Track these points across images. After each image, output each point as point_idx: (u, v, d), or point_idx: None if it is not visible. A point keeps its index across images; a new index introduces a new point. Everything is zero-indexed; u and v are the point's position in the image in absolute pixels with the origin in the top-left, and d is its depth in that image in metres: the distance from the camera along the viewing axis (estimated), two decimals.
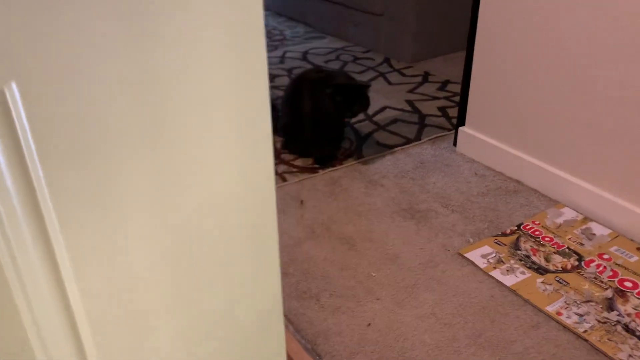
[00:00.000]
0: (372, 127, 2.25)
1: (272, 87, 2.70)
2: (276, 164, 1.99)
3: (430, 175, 1.88)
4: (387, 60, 3.03)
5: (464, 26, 3.19)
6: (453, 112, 2.36)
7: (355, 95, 1.80)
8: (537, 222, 1.61)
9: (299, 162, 2.00)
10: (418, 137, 2.15)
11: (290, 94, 2.00)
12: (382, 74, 2.83)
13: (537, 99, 1.71)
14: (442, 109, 2.40)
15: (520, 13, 1.67)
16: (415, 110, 2.40)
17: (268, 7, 4.16)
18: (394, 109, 2.42)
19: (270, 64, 3.04)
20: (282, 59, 3.11)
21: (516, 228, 1.59)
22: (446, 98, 2.52)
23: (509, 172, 1.86)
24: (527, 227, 1.59)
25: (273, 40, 3.45)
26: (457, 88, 2.62)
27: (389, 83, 2.72)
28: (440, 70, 2.87)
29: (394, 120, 2.30)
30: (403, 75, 2.83)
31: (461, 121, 2.02)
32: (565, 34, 1.57)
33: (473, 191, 1.78)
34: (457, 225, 1.61)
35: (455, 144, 2.06)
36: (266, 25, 3.69)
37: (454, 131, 2.16)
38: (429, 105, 2.45)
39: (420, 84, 2.70)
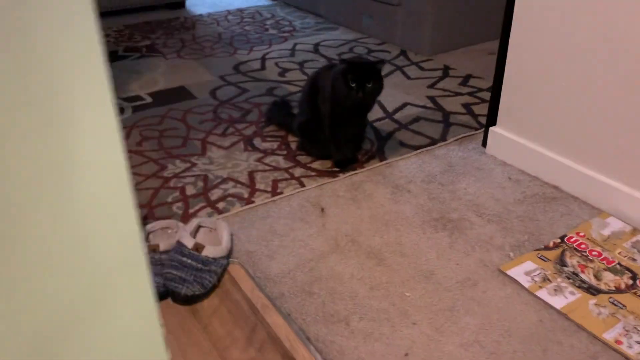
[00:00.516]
0: (394, 126, 2.10)
1: (284, 82, 2.55)
2: (293, 167, 1.84)
3: (460, 180, 1.74)
4: (403, 53, 2.87)
5: (484, 17, 3.05)
6: (479, 109, 2.22)
7: (368, 72, 1.65)
8: (581, 234, 1.47)
9: (317, 164, 1.86)
10: (444, 137, 2.01)
11: (307, 91, 1.85)
12: (399, 68, 2.68)
13: (579, 96, 1.56)
14: (466, 106, 2.25)
15: None
16: (438, 107, 2.25)
17: None
18: (415, 105, 2.27)
19: (280, 56, 2.89)
20: (293, 52, 2.96)
21: (560, 241, 1.45)
22: (470, 94, 2.37)
23: (546, 176, 1.72)
24: (572, 240, 1.45)
25: (282, 32, 3.29)
26: (480, 83, 2.47)
27: (408, 77, 2.57)
28: (460, 64, 2.71)
29: (416, 119, 2.16)
30: (422, 69, 2.67)
31: (491, 120, 1.87)
32: (616, 21, 1.42)
33: (509, 198, 1.64)
34: (495, 238, 1.47)
35: (484, 144, 1.92)
36: (274, 16, 3.53)
37: (482, 131, 2.02)
38: (452, 102, 2.30)
39: (441, 78, 2.55)
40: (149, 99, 2.42)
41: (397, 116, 2.18)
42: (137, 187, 1.74)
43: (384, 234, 1.49)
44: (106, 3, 3.55)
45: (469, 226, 1.52)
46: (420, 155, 1.90)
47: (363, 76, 1.63)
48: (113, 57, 2.94)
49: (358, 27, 3.23)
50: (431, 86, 2.47)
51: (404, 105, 2.28)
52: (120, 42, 3.17)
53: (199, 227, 1.45)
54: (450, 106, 2.26)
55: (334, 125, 1.77)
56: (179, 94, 2.47)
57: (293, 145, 1.99)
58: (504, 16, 1.73)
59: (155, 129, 2.13)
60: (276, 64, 2.79)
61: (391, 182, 1.74)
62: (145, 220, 1.58)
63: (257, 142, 2.02)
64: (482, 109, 2.21)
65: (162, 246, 1.38)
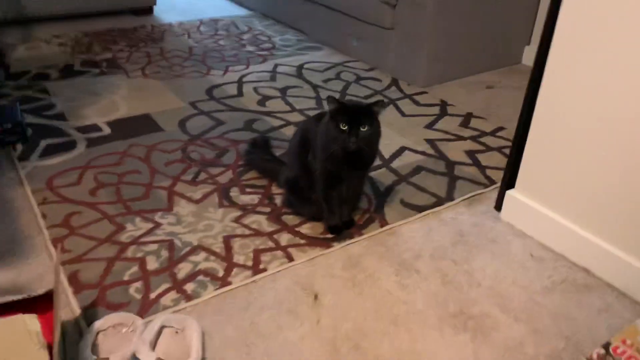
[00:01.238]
0: (393, 178, 1.83)
1: (265, 113, 2.25)
2: (278, 232, 1.55)
3: (475, 256, 1.48)
4: (395, 83, 2.61)
5: (482, 46, 2.81)
6: (485, 159, 1.97)
7: (362, 114, 1.36)
8: (628, 342, 1.23)
9: (307, 228, 1.57)
10: (450, 196, 1.75)
11: (296, 145, 1.56)
12: (392, 102, 2.42)
13: (616, 168, 1.32)
14: (471, 154, 2.00)
15: (611, 39, 1.27)
16: (440, 154, 2.00)
17: (253, 7, 3.68)
18: (414, 151, 2.01)
19: (259, 80, 2.59)
20: (274, 75, 2.66)
21: (604, 352, 1.20)
22: (473, 139, 2.12)
23: (574, 256, 1.48)
24: (618, 351, 1.21)
25: (260, 49, 2.98)
26: (483, 125, 2.23)
27: (402, 114, 2.31)
28: (458, 99, 2.47)
29: (417, 169, 1.89)
30: (417, 103, 2.42)
31: (508, 181, 1.63)
32: None
33: (535, 285, 1.39)
34: (526, 344, 1.21)
35: (498, 207, 1.67)
36: (252, 29, 3.23)
37: (492, 188, 1.77)
38: (454, 148, 2.04)
39: (439, 116, 2.30)
40: (107, 130, 2.08)
41: (395, 164, 1.91)
42: (87, 258, 1.42)
43: (394, 337, 1.22)
44: (65, 6, 3.17)
45: (493, 325, 1.26)
46: (426, 219, 1.63)
47: (356, 118, 1.35)
48: (68, 72, 2.58)
49: (345, 48, 2.95)
50: (429, 126, 2.21)
51: (402, 150, 2.02)
52: (78, 54, 2.80)
53: (162, 327, 1.15)
54: (453, 153, 2.00)
55: (327, 184, 1.49)
56: (143, 124, 2.14)
57: (277, 199, 1.69)
58: (537, 53, 1.48)
59: (113, 172, 1.80)
60: (255, 89, 2.48)
61: (395, 256, 1.47)
62: (93, 307, 1.26)
63: (234, 193, 1.72)
64: (489, 159, 1.96)
65: (114, 359, 1.07)
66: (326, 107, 1.40)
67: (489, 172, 1.89)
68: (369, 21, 2.71)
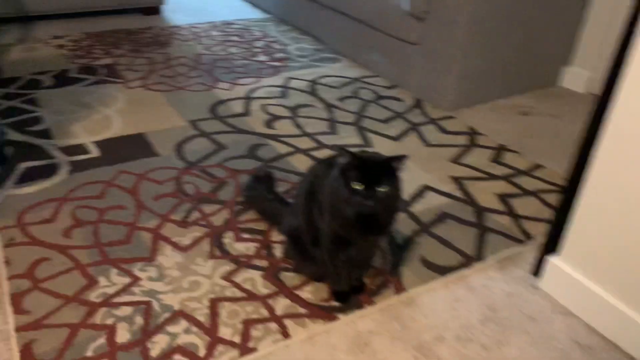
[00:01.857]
0: (413, 227, 1.59)
1: (271, 137, 2.02)
2: (274, 295, 1.32)
3: (509, 339, 1.23)
4: (419, 104, 2.36)
5: (516, 67, 2.51)
6: (520, 206, 1.71)
7: (380, 170, 1.12)
8: None
9: (307, 292, 1.34)
10: (480, 254, 1.50)
11: (303, 193, 1.32)
12: (415, 127, 2.17)
13: None
14: (503, 199, 1.75)
15: None
16: (468, 197, 1.74)
17: (270, 11, 3.44)
18: (439, 192, 1.76)
19: (268, 96, 2.35)
20: (285, 90, 2.42)
21: None
22: (506, 179, 1.86)
23: (630, 347, 1.22)
24: None
25: (273, 59, 2.75)
26: (517, 161, 1.97)
27: (426, 143, 2.06)
28: (489, 127, 2.21)
29: (442, 216, 1.64)
30: (443, 130, 2.16)
31: (551, 243, 1.37)
32: None
33: None
34: None
35: (536, 273, 1.42)
36: (266, 36, 2.99)
37: (529, 247, 1.52)
38: (484, 190, 1.79)
39: (467, 148, 2.04)
40: (95, 152, 1.86)
41: (416, 208, 1.67)
42: (47, 323, 1.20)
43: None
44: (68, 3, 2.97)
45: None
46: (451, 285, 1.39)
47: (373, 175, 1.11)
48: (63, 79, 2.37)
49: (364, 61, 2.70)
50: (456, 160, 1.96)
51: (424, 190, 1.77)
52: (75, 58, 2.59)
53: None
54: (484, 197, 1.75)
55: (335, 247, 1.25)
56: (136, 146, 1.92)
57: (277, 250, 1.46)
58: (596, 105, 1.22)
59: (94, 207, 1.59)
60: (263, 107, 2.25)
61: (413, 336, 1.23)
62: None
63: (228, 240, 1.49)
64: (525, 206, 1.71)
65: None
66: (336, 155, 1.17)
67: (525, 223, 1.63)
68: (393, 34, 2.46)
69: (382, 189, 1.11)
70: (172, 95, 2.29)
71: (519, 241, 1.56)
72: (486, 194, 1.77)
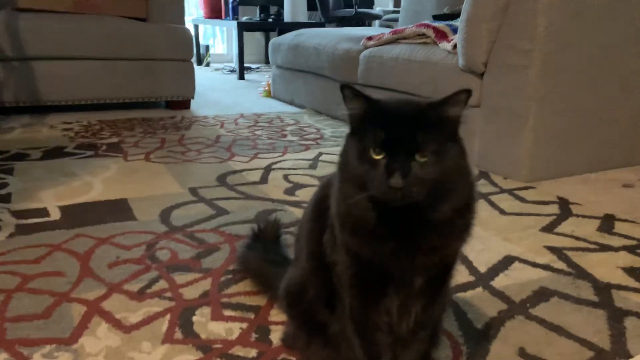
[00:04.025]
0: (499, 307, 0.99)
1: (290, 203, 1.52)
2: None
3: None
4: (484, 176, 1.83)
5: (609, 132, 1.86)
6: None
7: (416, 124, 0.60)
8: None
9: None
10: (620, 347, 0.87)
11: (309, 214, 0.80)
12: (482, 196, 1.63)
13: None
14: (634, 273, 1.14)
15: None
16: (578, 270, 1.14)
17: (305, 105, 3.13)
18: (531, 264, 1.17)
19: (293, 167, 1.90)
20: (314, 163, 1.96)
21: None
22: (630, 250, 1.26)
23: None
24: None
25: (305, 139, 2.34)
26: (636, 231, 1.37)
27: (502, 212, 1.50)
28: (584, 198, 1.64)
29: (543, 293, 1.04)
30: (522, 200, 1.61)
31: None
32: None
33: None
34: None
35: None
36: (298, 122, 2.64)
37: None
38: (602, 263, 1.19)
39: (561, 217, 1.47)
40: (55, 215, 1.41)
41: (500, 283, 1.08)
42: None
43: None
44: (85, 94, 2.73)
45: None
46: None
47: (404, 133, 0.59)
48: (54, 153, 2.01)
49: None
50: (549, 230, 1.38)
51: (509, 260, 1.19)
52: (77, 138, 2.26)
53: None
54: (602, 271, 1.15)
55: (360, 293, 0.69)
56: (112, 210, 1.45)
57: (276, 333, 0.89)
58: None
59: (20, 272, 1.09)
60: (285, 177, 1.78)
61: None
62: None
63: (200, 318, 0.94)
64: None
65: None
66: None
67: None
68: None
69: (421, 159, 0.58)
70: (176, 167, 1.87)
71: None
72: (605, 267, 1.17)
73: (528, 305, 1.00)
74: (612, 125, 1.93)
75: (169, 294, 1.02)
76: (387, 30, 2.53)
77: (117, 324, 0.92)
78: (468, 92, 0.61)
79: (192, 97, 3.04)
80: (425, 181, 0.58)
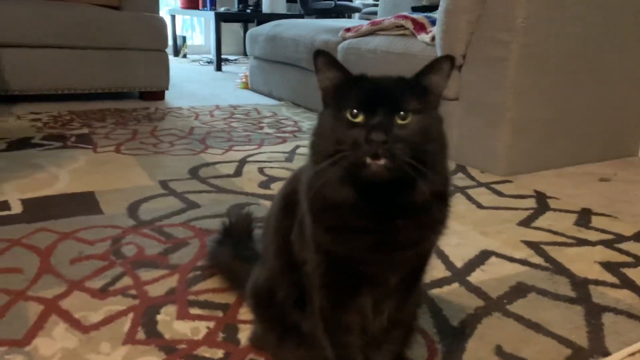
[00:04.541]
0: (475, 303, 0.96)
1: (264, 197, 1.48)
2: None
3: None
4: (462, 170, 1.81)
5: (586, 126, 1.90)
6: (637, 276, 1.09)
7: (397, 91, 0.58)
8: None
9: None
10: (598, 344, 0.85)
11: (276, 207, 0.76)
12: (460, 189, 1.60)
13: None
14: (613, 269, 1.12)
15: None
16: (556, 265, 1.13)
17: (284, 97, 3.08)
18: (509, 258, 1.15)
19: (269, 160, 1.85)
20: (291, 156, 1.92)
21: None
22: (607, 245, 1.25)
23: None
24: None
25: (282, 132, 2.29)
26: (614, 225, 1.36)
27: (479, 206, 1.48)
28: (562, 192, 1.63)
29: (520, 289, 1.02)
30: (499, 194, 1.59)
31: None
32: None
33: None
34: None
35: None
36: (275, 114, 2.58)
37: None
38: (579, 257, 1.17)
39: (538, 212, 1.45)
40: (17, 209, 1.34)
41: (476, 278, 1.05)
42: None
43: None
44: (55, 83, 2.64)
45: None
46: None
47: (384, 94, 0.57)
48: (20, 145, 1.93)
49: None
50: (526, 224, 1.36)
51: (485, 255, 1.16)
52: (45, 129, 2.18)
53: None
54: (580, 265, 1.13)
55: (332, 290, 0.65)
56: (77, 204, 1.39)
57: (245, 331, 0.85)
58: None
59: None
60: (260, 169, 1.74)
61: None
62: None
63: (165, 317, 0.89)
64: None
65: None
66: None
67: None
68: None
69: (403, 121, 0.56)
70: (147, 159, 1.81)
71: None
72: (583, 261, 1.15)
73: (505, 301, 0.97)
74: (589, 119, 1.93)
75: (133, 292, 0.97)
76: (366, 22, 2.50)
77: (76, 324, 0.87)
78: (451, 60, 0.59)
79: (167, 88, 2.97)
80: (407, 142, 0.55)
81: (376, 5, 4.39)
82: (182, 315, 0.90)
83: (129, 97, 2.98)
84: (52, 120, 2.34)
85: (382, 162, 0.53)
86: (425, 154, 0.56)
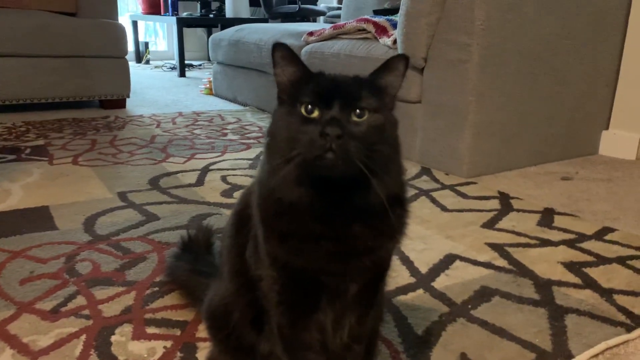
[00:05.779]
0: (440, 310, 0.95)
1: (226, 206, 1.45)
2: None
3: None
4: (427, 172, 1.81)
5: (547, 125, 1.92)
6: (602, 276, 1.09)
7: (351, 89, 0.57)
8: None
9: None
10: (562, 348, 0.85)
11: (230, 225, 0.73)
12: (424, 192, 1.60)
13: None
14: (575, 269, 1.13)
15: None
16: (520, 267, 1.13)
17: (248, 103, 3.04)
18: (473, 262, 1.15)
19: (232, 168, 1.82)
20: (255, 162, 1.89)
21: None
22: (568, 244, 1.26)
23: None
24: None
25: (246, 138, 2.26)
26: (576, 224, 1.38)
27: (444, 208, 1.48)
28: (524, 192, 1.64)
29: (484, 293, 1.02)
30: (463, 195, 1.59)
31: None
32: None
33: None
34: None
35: None
36: (240, 120, 2.55)
37: (635, 334, 0.88)
38: (542, 258, 1.18)
39: (502, 213, 1.46)
40: None
41: (441, 284, 1.04)
42: None
43: None
44: (6, 93, 2.55)
45: None
46: None
47: (340, 90, 0.56)
48: None
49: None
50: (489, 226, 1.36)
51: (450, 259, 1.16)
52: (1, 142, 2.10)
53: None
54: (542, 267, 1.13)
55: (289, 306, 0.63)
56: (31, 220, 1.34)
57: (201, 352, 0.82)
58: None
59: None
60: (223, 178, 1.70)
61: None
62: None
63: (120, 337, 0.85)
64: (610, 277, 1.09)
65: None
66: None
67: (618, 299, 1.00)
68: None
69: (358, 119, 0.55)
70: (105, 170, 1.76)
71: (621, 324, 0.91)
72: (545, 262, 1.16)
73: (470, 306, 0.97)
74: (550, 119, 1.95)
75: (86, 312, 0.93)
76: (329, 26, 2.48)
77: (24, 349, 0.82)
78: (405, 59, 0.59)
79: (128, 96, 2.90)
80: (362, 140, 0.53)
81: (340, 9, 4.39)
82: (138, 335, 0.86)
83: (89, 105, 2.90)
84: (6, 131, 2.26)
85: (337, 154, 0.52)
86: (379, 155, 0.55)
